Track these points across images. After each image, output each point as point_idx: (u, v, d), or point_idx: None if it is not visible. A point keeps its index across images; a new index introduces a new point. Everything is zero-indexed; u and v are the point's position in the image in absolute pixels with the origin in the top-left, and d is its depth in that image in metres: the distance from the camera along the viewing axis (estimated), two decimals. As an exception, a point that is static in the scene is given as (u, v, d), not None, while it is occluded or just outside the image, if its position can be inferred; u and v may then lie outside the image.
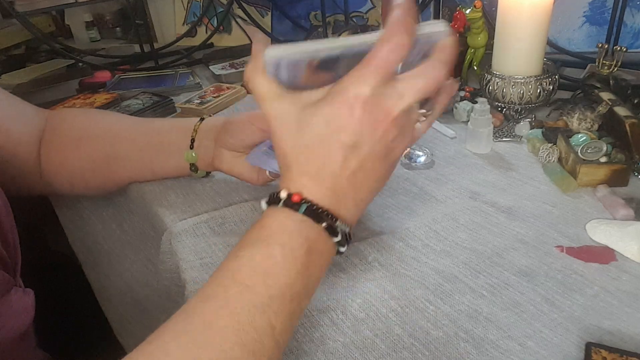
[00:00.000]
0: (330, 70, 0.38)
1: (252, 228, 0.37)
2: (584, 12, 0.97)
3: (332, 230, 0.37)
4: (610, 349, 0.38)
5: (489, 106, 0.66)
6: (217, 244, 0.54)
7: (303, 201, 0.37)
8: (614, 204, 0.54)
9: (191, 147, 0.60)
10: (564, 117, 0.68)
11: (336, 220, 0.37)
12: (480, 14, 0.81)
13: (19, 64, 1.24)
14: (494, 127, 0.69)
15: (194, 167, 0.62)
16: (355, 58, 0.36)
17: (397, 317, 0.43)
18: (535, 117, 0.72)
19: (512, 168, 0.64)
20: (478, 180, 0.61)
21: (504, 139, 0.69)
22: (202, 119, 0.61)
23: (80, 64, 1.18)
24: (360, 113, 0.35)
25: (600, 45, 0.78)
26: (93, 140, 0.63)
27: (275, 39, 1.23)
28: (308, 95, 0.38)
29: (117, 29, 1.45)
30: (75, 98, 0.94)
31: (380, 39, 0.35)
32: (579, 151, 0.57)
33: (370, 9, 1.18)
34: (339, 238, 0.37)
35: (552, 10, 0.66)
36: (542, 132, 0.66)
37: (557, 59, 0.90)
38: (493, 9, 0.87)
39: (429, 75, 0.36)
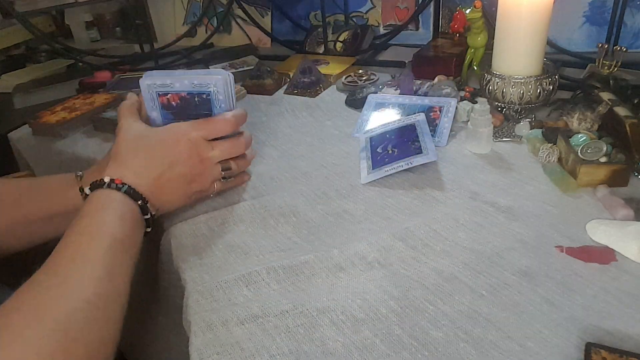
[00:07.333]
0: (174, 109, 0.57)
1: (83, 206, 0.48)
2: (584, 12, 0.97)
3: (144, 209, 0.51)
4: (610, 349, 0.38)
5: (489, 106, 0.66)
6: (217, 244, 0.54)
7: (124, 184, 0.50)
8: (614, 204, 0.53)
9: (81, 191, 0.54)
10: (564, 117, 0.68)
11: (147, 202, 0.51)
12: (480, 14, 0.81)
13: (19, 64, 1.25)
14: (494, 127, 0.69)
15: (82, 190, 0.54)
16: (199, 104, 0.57)
17: (397, 318, 0.43)
18: (535, 117, 0.72)
19: (512, 168, 0.63)
20: (478, 180, 0.61)
21: (504, 139, 0.69)
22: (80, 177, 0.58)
23: (80, 64, 1.19)
24: (184, 146, 0.53)
25: (600, 45, 0.79)
26: None
27: (275, 39, 1.23)
28: (155, 127, 0.56)
29: (117, 29, 1.45)
30: (75, 98, 0.94)
31: (224, 115, 0.56)
32: (579, 151, 0.57)
33: (370, 9, 1.18)
34: (148, 216, 0.52)
35: (552, 10, 0.66)
36: (542, 132, 0.66)
37: (557, 59, 0.90)
38: (493, 9, 0.87)
39: (234, 145, 0.57)
